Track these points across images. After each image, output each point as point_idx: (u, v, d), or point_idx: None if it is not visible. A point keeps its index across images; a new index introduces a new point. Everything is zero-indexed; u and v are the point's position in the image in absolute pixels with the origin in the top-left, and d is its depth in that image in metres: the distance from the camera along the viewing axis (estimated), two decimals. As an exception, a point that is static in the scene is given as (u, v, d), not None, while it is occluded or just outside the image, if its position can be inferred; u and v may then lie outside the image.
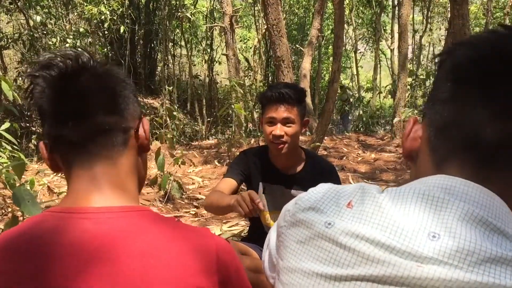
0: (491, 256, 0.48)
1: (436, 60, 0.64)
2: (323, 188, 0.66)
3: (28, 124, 9.26)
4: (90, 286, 0.59)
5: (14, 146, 3.25)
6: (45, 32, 8.03)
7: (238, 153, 2.02)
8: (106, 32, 10.70)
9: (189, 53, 13.71)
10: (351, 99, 12.10)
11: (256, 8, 14.51)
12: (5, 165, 2.29)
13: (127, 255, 0.62)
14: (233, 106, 5.94)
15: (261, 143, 6.54)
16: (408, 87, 11.30)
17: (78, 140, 0.69)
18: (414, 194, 0.55)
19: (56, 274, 0.60)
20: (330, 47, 16.78)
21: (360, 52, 20.01)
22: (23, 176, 1.86)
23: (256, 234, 1.96)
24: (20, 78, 8.60)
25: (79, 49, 0.73)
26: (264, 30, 11.71)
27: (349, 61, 21.47)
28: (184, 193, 4.44)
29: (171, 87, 11.66)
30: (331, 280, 0.55)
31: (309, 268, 0.58)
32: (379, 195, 0.58)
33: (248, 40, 18.88)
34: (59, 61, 0.70)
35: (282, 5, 11.34)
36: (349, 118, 12.20)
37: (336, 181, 1.82)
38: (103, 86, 0.72)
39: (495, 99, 0.54)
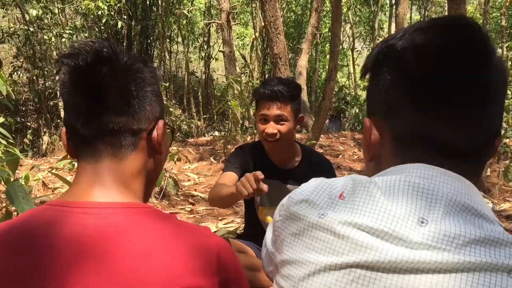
0: (475, 238, 0.51)
1: (379, 50, 0.64)
2: (315, 182, 0.67)
3: (23, 119, 9.21)
4: (85, 281, 0.59)
5: (9, 141, 3.23)
6: (41, 27, 7.98)
7: (233, 150, 2.00)
8: (102, 28, 10.63)
9: (186, 50, 13.68)
10: (347, 98, 12.03)
11: (253, 5, 14.47)
12: (-1, 160, 2.27)
13: (125, 252, 0.61)
14: (229, 103, 5.93)
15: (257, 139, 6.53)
16: (405, 86, 11.30)
17: (88, 136, 0.70)
18: (404, 184, 0.57)
19: (50, 268, 0.59)
20: (327, 45, 16.75)
21: (357, 51, 19.99)
22: (17, 171, 1.84)
23: (252, 231, 1.96)
24: (15, 73, 8.55)
25: (106, 41, 0.71)
26: (261, 28, 11.69)
27: (346, 59, 21.47)
28: (180, 190, 4.44)
29: (168, 84, 11.62)
30: (327, 269, 0.56)
31: (306, 258, 0.58)
32: (369, 184, 0.59)
33: (245, 37, 18.83)
34: (85, 51, 0.68)
35: (279, 2, 11.32)
36: (341, 120, 12.08)
37: (333, 176, 1.80)
38: (119, 84, 0.70)
39: (458, 109, 0.58)
